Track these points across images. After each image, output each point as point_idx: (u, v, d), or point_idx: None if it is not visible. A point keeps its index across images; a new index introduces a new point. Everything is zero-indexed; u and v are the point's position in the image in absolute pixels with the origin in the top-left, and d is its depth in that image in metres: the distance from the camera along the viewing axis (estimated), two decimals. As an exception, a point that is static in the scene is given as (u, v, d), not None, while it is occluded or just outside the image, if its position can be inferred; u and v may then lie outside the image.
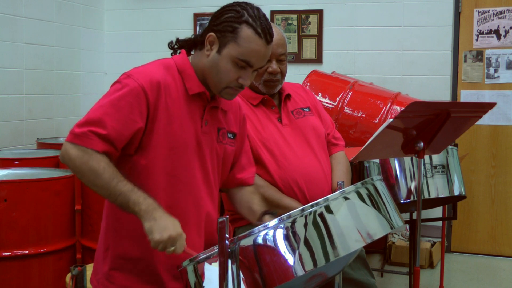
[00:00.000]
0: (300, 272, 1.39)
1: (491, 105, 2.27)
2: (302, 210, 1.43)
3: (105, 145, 1.67)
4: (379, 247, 4.45)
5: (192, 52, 1.90)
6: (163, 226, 1.60)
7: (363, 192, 1.53)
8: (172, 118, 1.75)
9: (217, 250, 1.40)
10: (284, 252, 1.40)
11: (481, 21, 4.69)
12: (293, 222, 1.42)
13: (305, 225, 1.41)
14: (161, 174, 1.76)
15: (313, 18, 5.01)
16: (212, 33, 1.76)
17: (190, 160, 1.80)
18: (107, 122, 1.67)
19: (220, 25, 1.75)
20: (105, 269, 1.83)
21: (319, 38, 5.01)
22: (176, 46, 1.89)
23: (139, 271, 1.79)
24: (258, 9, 1.77)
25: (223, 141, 1.92)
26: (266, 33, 1.74)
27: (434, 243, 4.56)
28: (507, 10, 4.63)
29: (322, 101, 3.99)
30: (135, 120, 1.70)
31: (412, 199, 2.77)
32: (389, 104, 3.96)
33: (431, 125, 2.16)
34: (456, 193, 2.87)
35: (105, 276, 1.82)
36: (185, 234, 1.65)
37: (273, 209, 2.09)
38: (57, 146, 4.19)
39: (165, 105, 1.74)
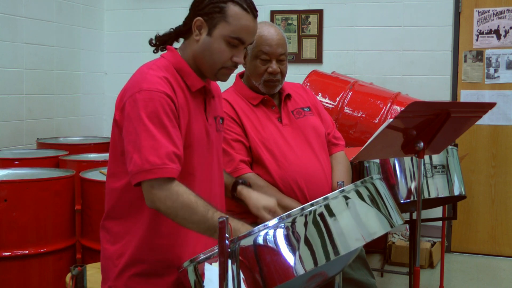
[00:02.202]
0: (300, 271, 1.39)
1: (491, 105, 2.27)
2: (302, 209, 1.43)
3: (177, 166, 1.64)
4: (379, 247, 4.44)
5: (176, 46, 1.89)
6: None
7: (363, 190, 1.53)
8: (185, 117, 1.75)
9: (217, 250, 1.40)
10: (285, 252, 1.40)
11: (481, 21, 4.69)
12: (293, 221, 1.42)
13: (305, 224, 1.41)
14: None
15: (313, 18, 5.01)
16: (199, 18, 1.76)
17: (202, 155, 1.81)
18: (161, 142, 1.62)
19: (205, 8, 1.75)
20: (122, 275, 1.78)
21: (319, 38, 5.01)
22: (157, 43, 1.88)
23: (160, 273, 1.76)
24: None
25: (221, 129, 1.94)
26: (252, 8, 1.77)
27: (434, 243, 4.56)
28: (507, 10, 4.63)
29: (322, 101, 3.99)
30: (176, 126, 1.69)
31: (412, 199, 2.77)
32: (389, 104, 3.96)
33: (431, 125, 2.16)
34: (456, 193, 2.87)
35: (123, 283, 1.78)
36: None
37: (242, 180, 2.13)
38: (57, 146, 4.19)
39: (178, 104, 1.74)
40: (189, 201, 1.61)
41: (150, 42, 1.89)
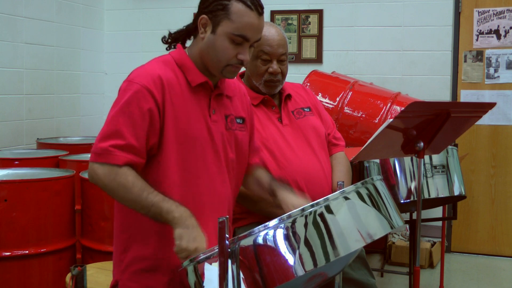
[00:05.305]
0: (300, 272, 1.39)
1: (491, 105, 2.27)
2: (302, 210, 1.43)
3: (127, 156, 1.69)
4: (379, 247, 4.45)
5: (187, 45, 1.92)
6: (193, 236, 1.63)
7: (363, 192, 1.53)
8: (179, 112, 1.77)
9: (217, 250, 1.40)
10: (284, 252, 1.40)
11: (481, 21, 4.69)
12: (293, 222, 1.42)
13: (305, 225, 1.41)
14: (174, 170, 1.76)
15: (313, 18, 5.01)
16: (203, 15, 1.78)
17: (202, 152, 1.81)
18: (123, 132, 1.69)
19: (209, 6, 1.77)
20: (126, 271, 1.81)
21: (319, 38, 5.01)
22: (170, 40, 1.92)
23: (160, 268, 1.79)
24: None
25: (232, 127, 1.93)
26: (256, 5, 1.77)
27: (434, 243, 4.56)
28: (507, 10, 4.63)
29: (322, 101, 3.99)
30: (147, 120, 1.72)
31: (412, 199, 2.77)
32: (389, 104, 3.96)
33: (431, 125, 2.16)
34: (456, 193, 2.87)
35: (127, 278, 1.81)
36: (203, 229, 1.69)
37: (280, 183, 2.07)
38: (57, 146, 4.19)
39: (170, 100, 1.75)
40: (125, 182, 1.67)
41: (163, 40, 1.92)
